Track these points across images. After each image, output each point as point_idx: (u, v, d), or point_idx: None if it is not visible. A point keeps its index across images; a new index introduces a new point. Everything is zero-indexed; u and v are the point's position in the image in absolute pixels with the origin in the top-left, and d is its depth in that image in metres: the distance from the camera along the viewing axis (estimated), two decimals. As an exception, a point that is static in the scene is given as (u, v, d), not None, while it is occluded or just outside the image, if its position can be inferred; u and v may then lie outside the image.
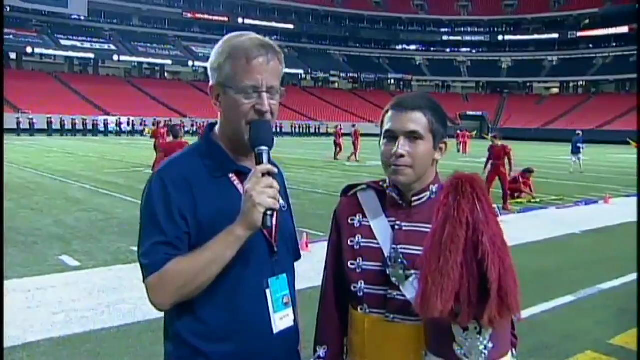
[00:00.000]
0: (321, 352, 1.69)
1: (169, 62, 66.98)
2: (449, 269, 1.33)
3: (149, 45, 67.05)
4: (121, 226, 8.73)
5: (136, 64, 66.14)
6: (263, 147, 1.42)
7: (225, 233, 1.37)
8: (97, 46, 62.77)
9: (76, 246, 7.33)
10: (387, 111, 1.59)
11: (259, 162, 1.40)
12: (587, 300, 5.51)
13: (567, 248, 7.91)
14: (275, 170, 1.41)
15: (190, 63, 67.41)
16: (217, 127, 1.52)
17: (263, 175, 1.35)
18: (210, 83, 1.48)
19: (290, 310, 1.53)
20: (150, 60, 66.23)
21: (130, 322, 4.61)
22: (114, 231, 8.36)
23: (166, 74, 69.30)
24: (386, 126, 1.57)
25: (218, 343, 1.41)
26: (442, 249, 1.34)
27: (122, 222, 9.04)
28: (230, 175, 1.45)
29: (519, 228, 8.56)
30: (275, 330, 1.47)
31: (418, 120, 1.53)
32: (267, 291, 1.46)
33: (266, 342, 1.46)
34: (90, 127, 47.36)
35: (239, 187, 1.42)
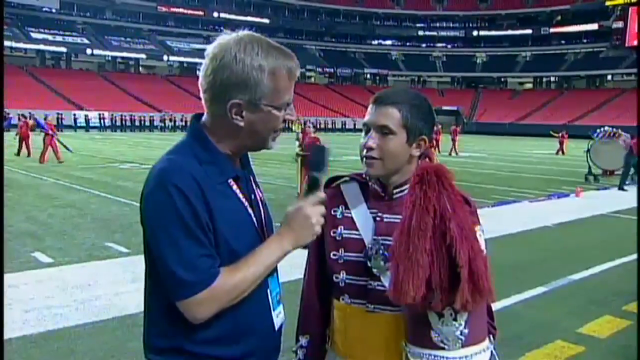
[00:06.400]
0: (303, 341, 1.72)
1: (144, 56, 66.05)
2: (418, 255, 1.36)
3: (122, 39, 66.07)
4: (96, 222, 8.64)
5: (110, 58, 65.10)
6: (321, 174, 1.50)
7: (273, 246, 1.42)
8: (70, 40, 61.62)
9: (49, 242, 7.24)
10: (369, 105, 1.62)
11: (313, 186, 1.49)
12: (558, 290, 5.62)
13: (540, 240, 8.04)
14: (325, 200, 1.49)
15: (165, 57, 66.61)
16: (210, 129, 1.43)
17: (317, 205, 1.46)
18: (234, 100, 1.36)
19: (282, 307, 1.56)
20: (125, 54, 65.25)
21: (104, 319, 4.57)
22: (88, 227, 8.26)
23: (141, 69, 68.38)
24: (364, 119, 1.61)
25: (228, 346, 1.41)
26: (411, 236, 1.38)
27: (97, 218, 8.95)
28: (229, 181, 1.42)
29: (493, 221, 8.67)
30: (276, 327, 1.51)
31: (390, 115, 1.54)
32: (268, 290, 1.48)
33: (271, 339, 1.50)
34: (69, 122, 46.66)
35: (238, 192, 1.44)
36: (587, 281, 5.98)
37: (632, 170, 14.92)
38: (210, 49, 1.40)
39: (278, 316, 1.53)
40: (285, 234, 1.43)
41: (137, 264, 5.79)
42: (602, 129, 18.17)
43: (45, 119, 20.39)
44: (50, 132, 18.57)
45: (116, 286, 5.39)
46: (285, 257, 1.45)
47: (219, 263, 1.34)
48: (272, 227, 1.56)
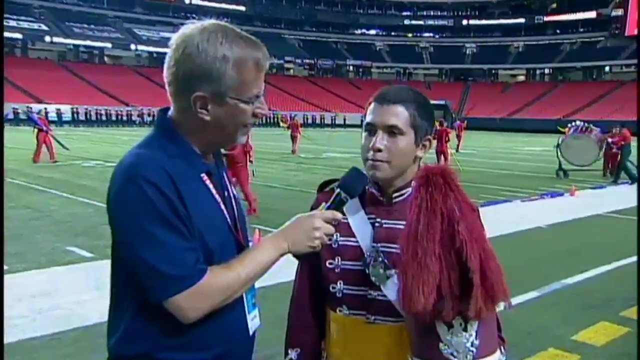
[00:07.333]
0: (293, 354, 1.71)
1: (109, 45, 65.47)
2: (427, 261, 1.37)
3: (85, 26, 65.33)
4: (56, 225, 8.54)
5: (72, 46, 64.39)
6: (349, 197, 1.52)
7: (269, 246, 1.45)
8: (25, 25, 60.64)
9: (4, 248, 7.12)
10: (370, 103, 1.62)
11: (337, 205, 1.50)
12: (551, 296, 5.69)
13: (532, 242, 8.14)
14: (340, 221, 1.52)
15: (132, 46, 66.05)
16: (177, 123, 1.44)
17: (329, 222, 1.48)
18: (198, 93, 1.37)
19: (257, 310, 1.57)
20: (88, 42, 64.56)
21: (65, 329, 4.52)
22: (48, 230, 8.16)
23: (106, 59, 67.72)
24: (367, 119, 1.61)
25: (199, 352, 1.42)
26: (419, 241, 1.38)
27: (57, 221, 8.85)
28: (202, 176, 1.44)
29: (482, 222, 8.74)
30: (250, 332, 1.53)
31: (399, 115, 1.56)
32: (243, 294, 1.49)
33: (244, 344, 1.52)
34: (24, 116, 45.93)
35: (211, 187, 1.45)
36: (582, 285, 6.06)
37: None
38: (173, 39, 1.41)
39: (253, 320, 1.54)
40: (285, 235, 1.46)
41: (102, 269, 5.73)
42: (573, 123, 18.54)
43: (38, 113, 19.63)
44: (44, 128, 17.99)
45: (78, 294, 5.34)
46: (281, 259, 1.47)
47: (202, 258, 1.35)
48: (246, 227, 1.57)
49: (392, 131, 1.55)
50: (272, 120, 51.96)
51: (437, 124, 19.81)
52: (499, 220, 9.44)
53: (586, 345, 4.43)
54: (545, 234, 8.78)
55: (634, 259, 6.43)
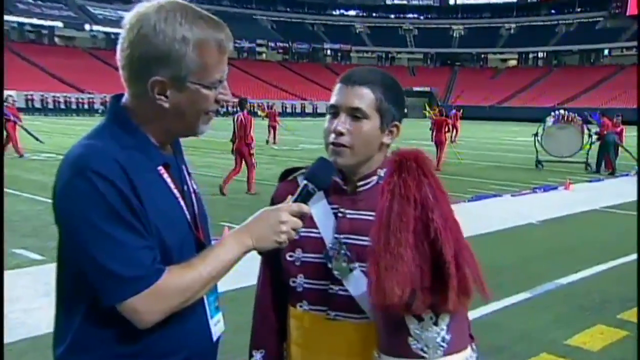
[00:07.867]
0: (258, 356, 1.74)
1: (60, 24, 64.50)
2: (401, 250, 1.39)
3: (31, 1, 64.18)
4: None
5: (16, 24, 63.12)
6: (317, 189, 1.53)
7: (232, 242, 1.43)
8: (-39, 0, 59.56)
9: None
10: (336, 84, 1.64)
11: (304, 197, 1.50)
12: (543, 297, 5.74)
13: (524, 239, 8.22)
14: (307, 214, 1.51)
15: (87, 27, 65.14)
16: (132, 111, 1.43)
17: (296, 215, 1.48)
18: (156, 77, 1.36)
19: (221, 314, 1.58)
20: (35, 21, 63.47)
21: (10, 341, 4.42)
22: (-9, 231, 8.03)
23: (57, 39, 66.73)
24: (331, 100, 1.62)
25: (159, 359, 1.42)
26: (392, 229, 1.40)
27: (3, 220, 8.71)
28: (159, 168, 1.44)
29: (470, 218, 8.80)
30: (214, 338, 1.53)
31: (364, 97, 1.57)
32: (204, 297, 1.49)
33: (206, 351, 1.53)
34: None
35: (169, 181, 1.45)
36: (577, 286, 6.13)
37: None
38: (127, 18, 1.40)
39: (216, 325, 1.54)
40: (249, 231, 1.45)
41: (52, 274, 5.63)
42: (556, 112, 18.83)
43: (5, 100, 18.95)
44: (12, 117, 17.32)
45: (26, 301, 5.26)
46: (245, 256, 1.47)
47: (160, 257, 1.35)
48: (207, 224, 1.57)
49: (356, 115, 1.57)
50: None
51: (434, 112, 20.11)
52: (488, 215, 9.53)
53: (581, 350, 4.48)
54: (537, 230, 8.87)
55: (634, 257, 6.53)
